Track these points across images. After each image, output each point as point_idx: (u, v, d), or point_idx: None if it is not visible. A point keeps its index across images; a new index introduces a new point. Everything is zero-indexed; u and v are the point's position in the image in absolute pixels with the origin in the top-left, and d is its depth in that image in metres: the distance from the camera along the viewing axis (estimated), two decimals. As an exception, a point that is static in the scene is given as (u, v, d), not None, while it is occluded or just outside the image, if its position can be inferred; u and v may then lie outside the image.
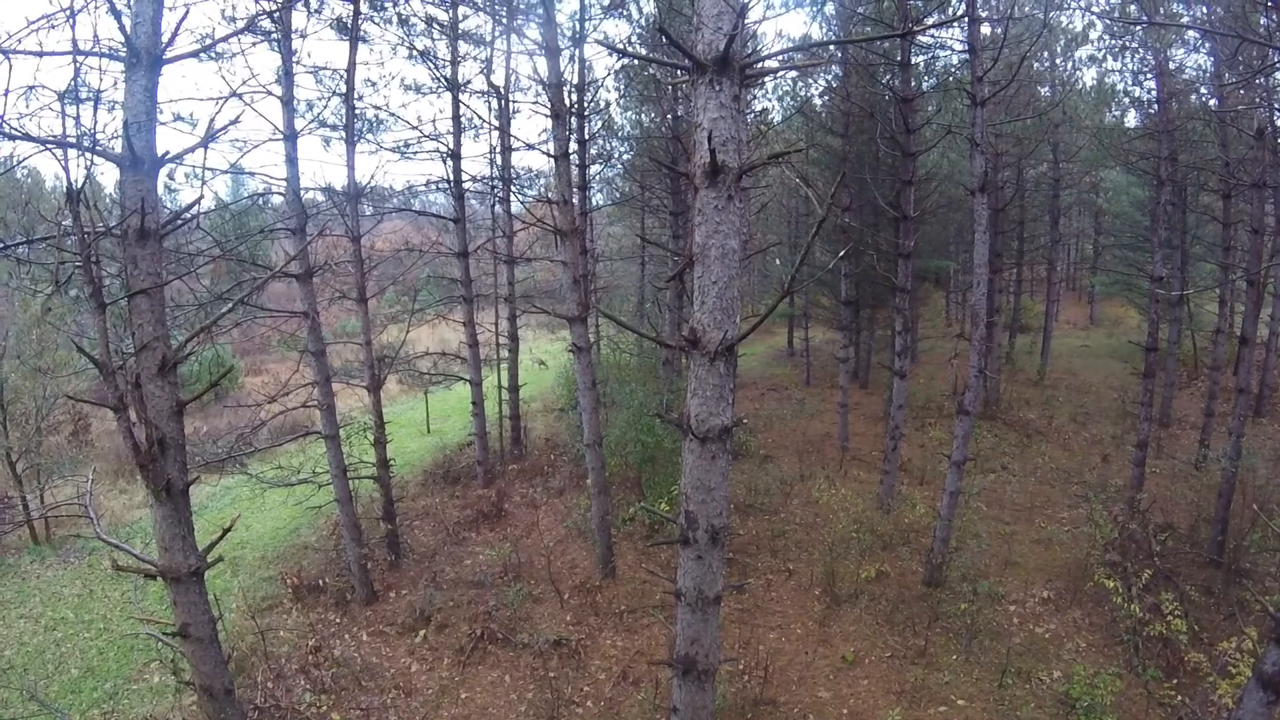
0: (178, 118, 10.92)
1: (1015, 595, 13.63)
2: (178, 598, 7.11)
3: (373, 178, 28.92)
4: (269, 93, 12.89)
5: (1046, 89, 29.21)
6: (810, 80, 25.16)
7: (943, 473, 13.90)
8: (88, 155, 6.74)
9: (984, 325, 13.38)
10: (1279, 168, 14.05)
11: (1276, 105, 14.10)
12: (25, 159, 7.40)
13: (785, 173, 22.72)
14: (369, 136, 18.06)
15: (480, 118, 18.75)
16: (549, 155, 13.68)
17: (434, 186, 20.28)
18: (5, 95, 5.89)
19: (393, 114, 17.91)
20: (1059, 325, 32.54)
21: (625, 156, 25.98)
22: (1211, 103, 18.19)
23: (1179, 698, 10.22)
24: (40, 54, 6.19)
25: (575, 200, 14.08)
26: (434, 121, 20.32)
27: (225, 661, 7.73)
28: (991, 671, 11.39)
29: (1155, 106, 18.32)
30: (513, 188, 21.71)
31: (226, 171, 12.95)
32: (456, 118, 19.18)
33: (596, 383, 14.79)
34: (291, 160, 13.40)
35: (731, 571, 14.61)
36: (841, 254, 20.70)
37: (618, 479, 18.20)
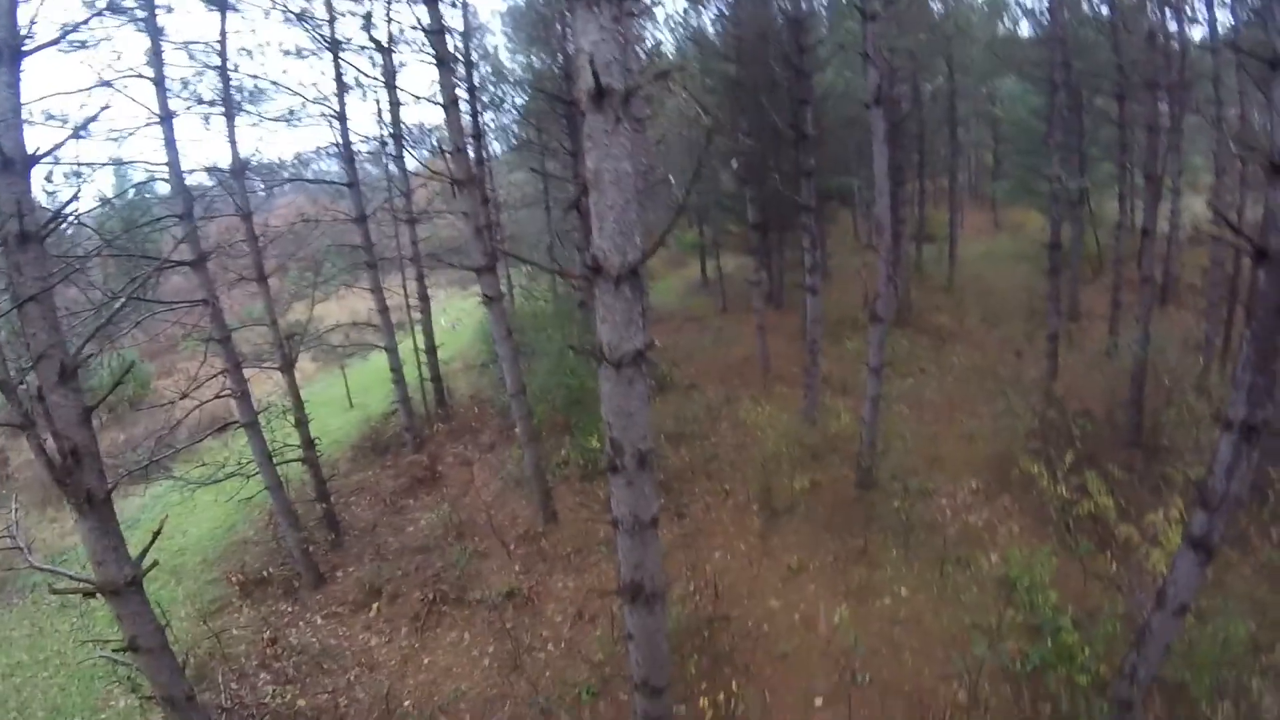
0: (49, 116, 10.23)
1: (945, 490, 14.13)
2: (120, 611, 6.90)
3: (257, 150, 27.73)
4: (140, 75, 12.08)
5: (939, 3, 29.28)
6: (701, 9, 24.78)
7: (863, 381, 14.21)
8: None
9: (889, 235, 13.58)
10: (1169, 68, 14.51)
11: (1167, 8, 14.52)
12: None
13: (681, 100, 22.58)
14: (249, 108, 17.12)
15: (365, 75, 18.04)
16: (439, 104, 13.28)
17: (325, 153, 19.56)
18: None
19: (273, 82, 17.05)
20: (964, 233, 32.98)
21: (518, 101, 25.41)
22: (1103, 9, 18.59)
23: (1114, 568, 10.79)
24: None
25: (469, 149, 13.70)
26: (316, 85, 19.55)
27: (181, 669, 7.56)
28: (931, 563, 11.85)
29: (1047, 15, 18.64)
30: (406, 144, 21.08)
31: (106, 164, 12.27)
32: (339, 78, 18.42)
33: (512, 332, 14.61)
34: (170, 143, 12.65)
35: (669, 499, 14.88)
36: (735, 165, 20.50)
37: (546, 425, 18.18)
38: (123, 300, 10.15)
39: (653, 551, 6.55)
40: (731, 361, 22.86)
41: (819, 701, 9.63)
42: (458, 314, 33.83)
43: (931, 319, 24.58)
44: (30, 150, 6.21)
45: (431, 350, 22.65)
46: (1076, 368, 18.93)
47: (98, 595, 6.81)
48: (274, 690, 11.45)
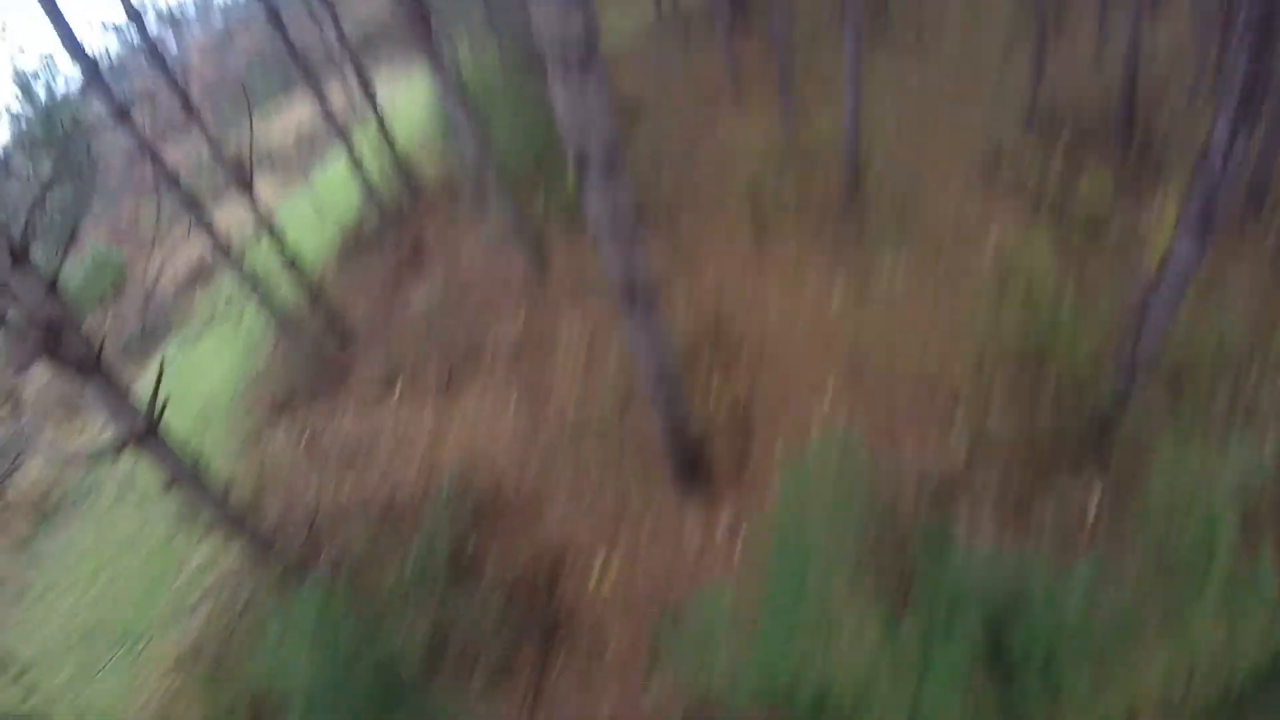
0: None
1: (935, 186, 14.04)
2: (150, 458, 7.69)
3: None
4: None
5: None
6: None
7: (841, 87, 13.74)
8: None
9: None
10: None
11: None
12: None
13: None
14: None
15: None
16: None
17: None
18: None
19: None
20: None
21: None
22: None
23: (1109, 252, 11.00)
24: None
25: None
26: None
27: (223, 494, 8.51)
28: (927, 257, 12.12)
29: None
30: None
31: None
32: None
33: (465, 99, 14.28)
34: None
35: (656, 230, 14.97)
36: None
37: (520, 186, 18.10)
38: (56, 178, 10.25)
39: (639, 252, 6.80)
40: (703, 90, 22.03)
41: (828, 392, 10.31)
42: (407, 100, 32.55)
43: (913, 17, 23.16)
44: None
45: (389, 142, 22.28)
46: (1065, 70, 17.87)
47: (124, 450, 7.58)
48: (318, 487, 12.63)
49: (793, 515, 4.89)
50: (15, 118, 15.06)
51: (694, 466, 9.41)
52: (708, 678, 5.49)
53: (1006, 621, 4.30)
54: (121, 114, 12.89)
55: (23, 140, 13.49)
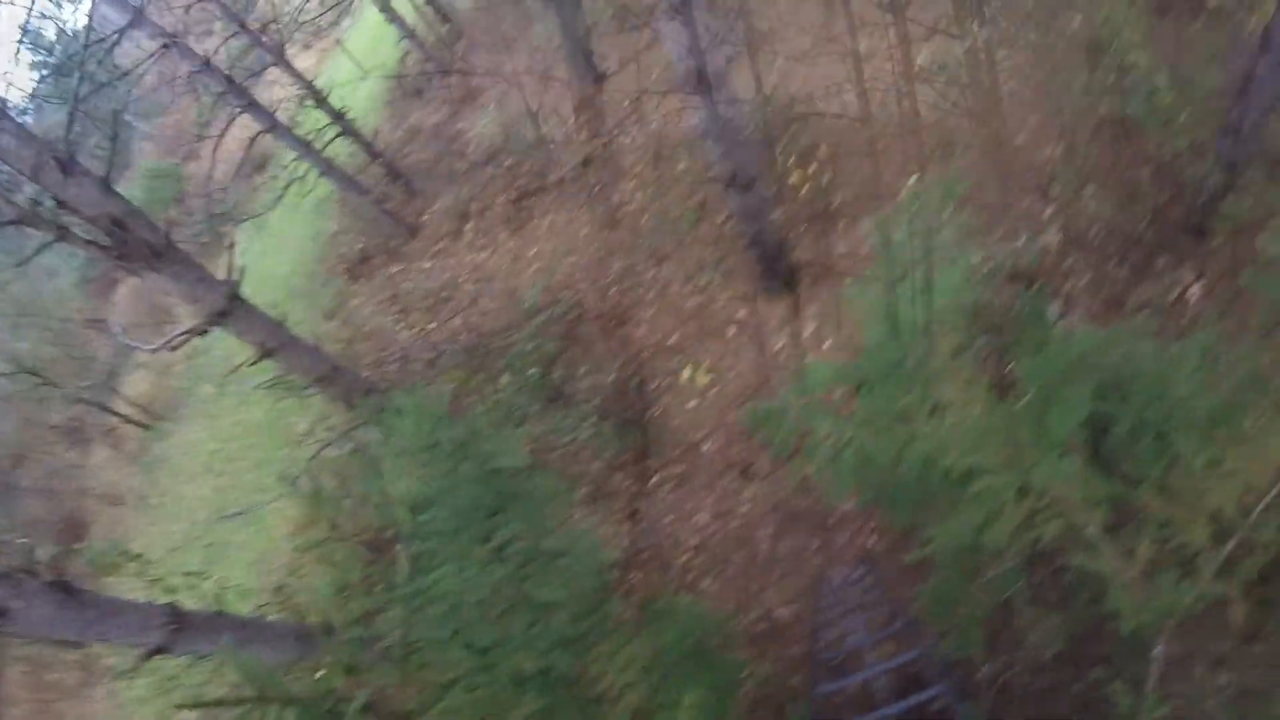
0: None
1: None
2: (238, 330, 7.87)
3: None
4: None
5: None
6: None
7: None
8: None
9: None
10: None
11: None
12: None
13: None
14: None
15: None
16: None
17: None
18: None
19: None
20: None
21: None
22: None
23: (1209, 18, 9.70)
24: None
25: None
26: None
27: (316, 349, 8.65)
28: (1015, 23, 10.82)
29: None
30: None
31: None
32: None
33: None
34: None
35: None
36: None
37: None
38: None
39: (702, 30, 6.45)
40: None
41: (915, 173, 9.69)
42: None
43: None
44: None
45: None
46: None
47: (209, 330, 7.70)
48: (406, 332, 12.87)
49: (884, 291, 4.65)
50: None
51: (776, 266, 9.14)
52: (805, 468, 5.45)
53: (1114, 395, 4.09)
54: (138, 14, 12.64)
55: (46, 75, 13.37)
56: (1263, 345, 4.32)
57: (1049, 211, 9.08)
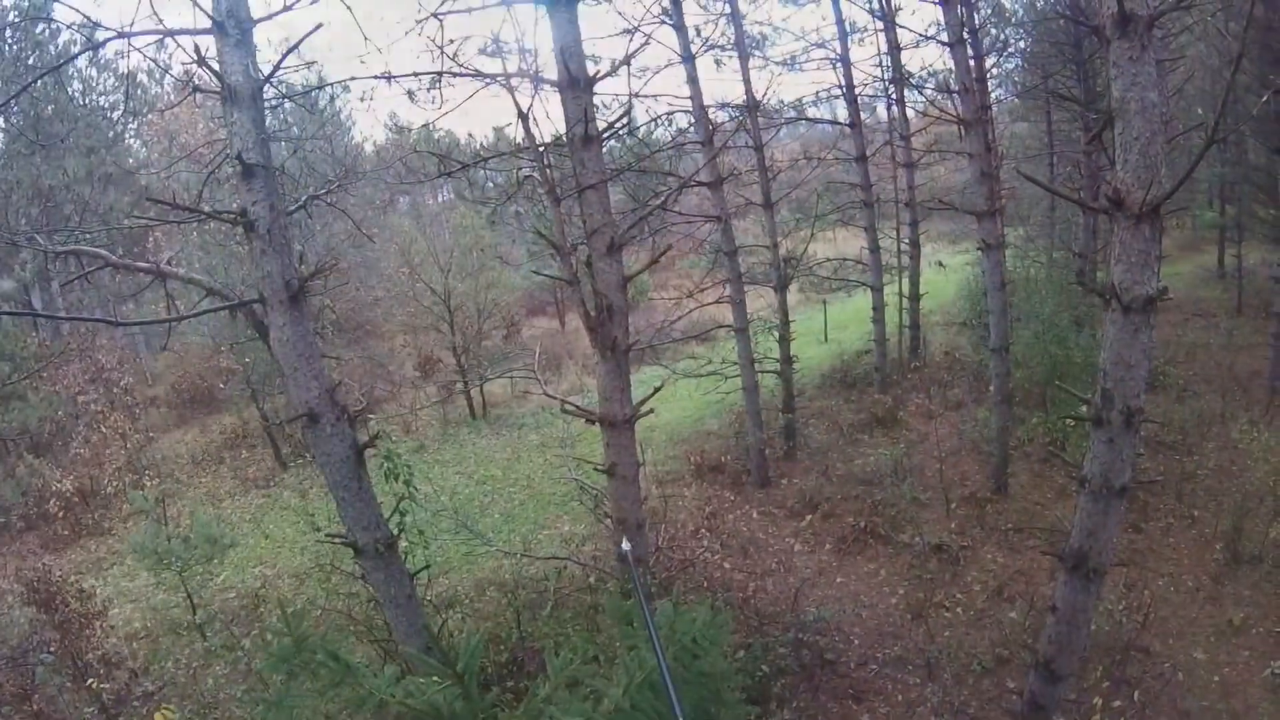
0: (589, 56, 12.76)
1: None
2: (611, 441, 8.54)
3: (768, 89, 29.82)
4: (663, 22, 14.32)
5: None
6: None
7: None
8: (530, 83, 8.28)
9: None
10: None
11: None
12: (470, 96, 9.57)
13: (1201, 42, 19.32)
14: (756, 52, 18.85)
15: (865, 14, 18.51)
16: (943, 44, 13.54)
17: (823, 96, 20.69)
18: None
19: (775, 28, 18.79)
20: None
21: (1021, 45, 24.24)
22: None
23: None
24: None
25: (975, 88, 13.72)
26: (817, 30, 20.51)
27: (641, 500, 9.17)
28: None
29: None
30: (907, 84, 21.27)
31: (635, 95, 14.52)
32: (840, 21, 19.35)
33: (1005, 284, 14.36)
34: (693, 79, 14.65)
35: (1130, 509, 13.47)
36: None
37: (1020, 392, 17.43)
38: (659, 203, 12.16)
39: (1112, 522, 6.51)
40: (1237, 372, 19.58)
41: None
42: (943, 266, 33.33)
43: None
44: (590, 73, 7.76)
45: (915, 297, 22.95)
46: None
47: (598, 424, 8.55)
48: (704, 549, 12.92)
49: None
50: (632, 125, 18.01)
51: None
52: None
53: None
54: (718, 181, 14.94)
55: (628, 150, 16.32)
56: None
57: None
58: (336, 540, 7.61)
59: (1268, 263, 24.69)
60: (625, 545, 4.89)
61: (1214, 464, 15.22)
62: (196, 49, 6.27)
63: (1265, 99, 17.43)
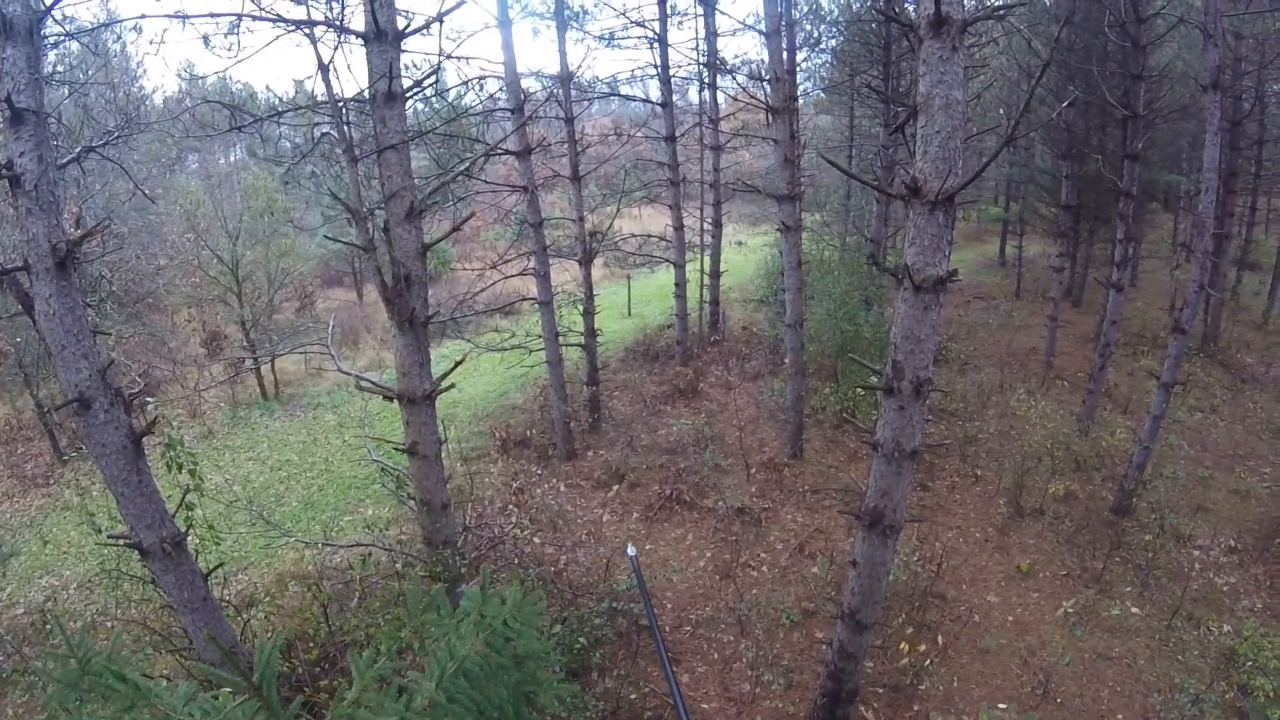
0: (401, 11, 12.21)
1: (1201, 541, 12.98)
2: (410, 418, 8.28)
3: (583, 62, 29.72)
4: None
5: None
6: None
7: (1148, 401, 13.26)
8: (335, 34, 7.82)
9: (1210, 237, 12.47)
10: None
11: None
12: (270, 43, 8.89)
13: (1003, 55, 21.30)
14: (575, 24, 18.78)
15: None
16: (760, 33, 14.03)
17: (638, 75, 20.94)
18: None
19: (597, 3, 18.82)
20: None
21: (833, 42, 25.39)
22: None
23: None
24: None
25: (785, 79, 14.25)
26: (639, 8, 20.69)
27: (445, 480, 8.95)
28: (1162, 610, 11.09)
29: None
30: (720, 71, 21.79)
31: (447, 56, 14.04)
32: (663, 2, 19.46)
33: (801, 264, 15.03)
34: (507, 45, 14.23)
35: (919, 470, 14.56)
36: (1058, 109, 19.24)
37: (814, 365, 18.48)
38: (464, 168, 11.81)
39: (904, 483, 6.91)
40: (1014, 349, 21.79)
41: (1003, 705, 9.47)
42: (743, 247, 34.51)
43: (1237, 356, 21.83)
44: (400, 27, 7.44)
45: (716, 274, 23.72)
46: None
47: (396, 401, 8.27)
48: (513, 525, 12.88)
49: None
50: (441, 87, 17.23)
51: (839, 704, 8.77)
52: None
53: None
54: (526, 151, 14.76)
55: (435, 114, 15.73)
56: None
57: None
58: (120, 542, 6.81)
59: (1046, 254, 27.61)
60: (630, 550, 4.75)
61: (995, 429, 16.74)
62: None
63: (1060, 111, 19.29)
